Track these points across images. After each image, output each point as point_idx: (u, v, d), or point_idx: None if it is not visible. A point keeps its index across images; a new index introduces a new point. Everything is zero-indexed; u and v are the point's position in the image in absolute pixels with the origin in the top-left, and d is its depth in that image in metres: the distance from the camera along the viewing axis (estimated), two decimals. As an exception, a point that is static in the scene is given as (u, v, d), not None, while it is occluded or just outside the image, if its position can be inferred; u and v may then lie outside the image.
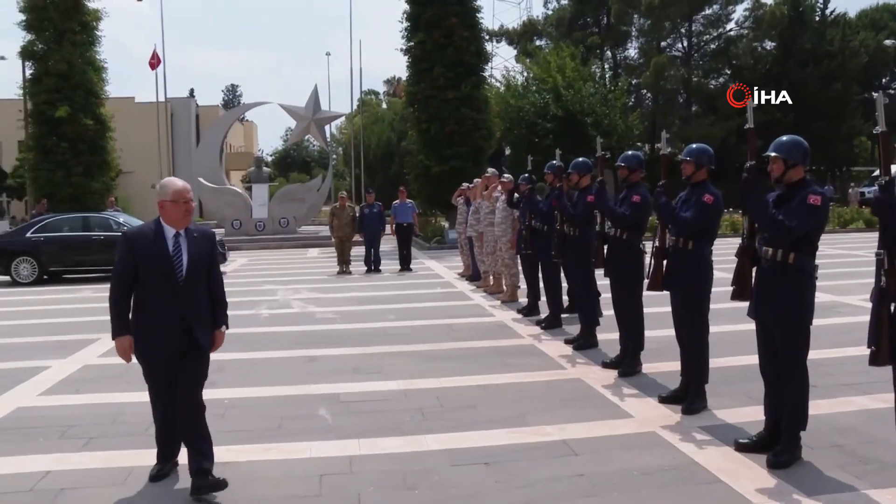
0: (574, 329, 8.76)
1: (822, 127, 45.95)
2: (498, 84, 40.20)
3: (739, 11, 53.45)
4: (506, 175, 11.65)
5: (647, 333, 7.28)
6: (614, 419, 5.85)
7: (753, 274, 4.89)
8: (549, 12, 60.07)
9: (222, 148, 33.02)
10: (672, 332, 6.24)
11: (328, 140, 40.24)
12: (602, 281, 7.79)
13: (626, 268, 7.00)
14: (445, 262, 19.12)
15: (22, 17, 27.64)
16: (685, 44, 54.69)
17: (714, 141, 38.19)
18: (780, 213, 4.53)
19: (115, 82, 77.77)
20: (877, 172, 3.66)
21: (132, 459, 5.06)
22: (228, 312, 4.76)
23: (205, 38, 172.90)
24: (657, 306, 7.08)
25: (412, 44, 27.86)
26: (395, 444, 5.35)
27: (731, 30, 53.89)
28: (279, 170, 73.70)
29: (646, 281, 6.31)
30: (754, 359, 5.10)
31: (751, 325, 5.09)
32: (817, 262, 4.73)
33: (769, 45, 52.76)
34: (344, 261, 17.32)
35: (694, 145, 6.00)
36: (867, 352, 3.95)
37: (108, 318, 4.55)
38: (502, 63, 73.30)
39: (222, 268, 17.35)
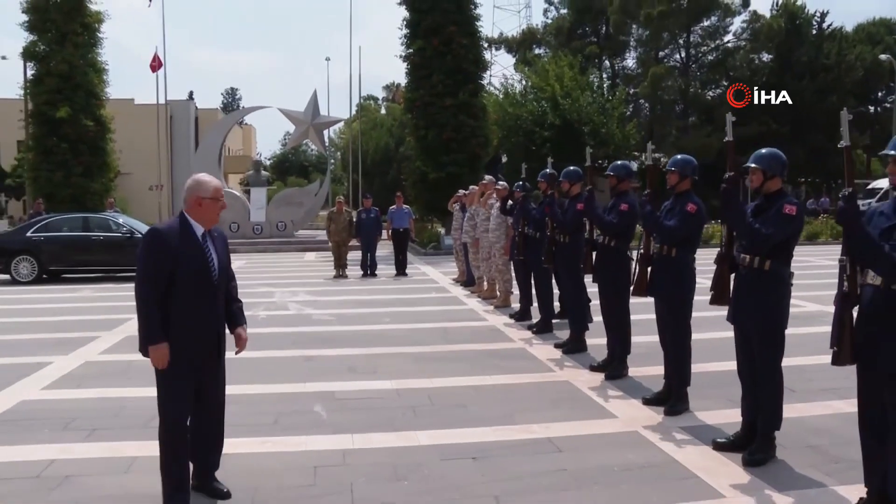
0: (565, 334, 8.99)
1: (817, 139, 46.37)
2: (496, 92, 40.51)
3: (737, 23, 53.87)
4: (500, 182, 11.89)
5: (636, 339, 7.50)
6: (599, 419, 6.07)
7: (732, 280, 5.12)
8: (549, 21, 60.47)
9: (221, 151, 33.21)
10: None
11: (327, 145, 40.46)
12: (592, 287, 8.01)
13: (614, 274, 7.22)
14: (441, 267, 19.33)
15: (25, 17, 27.87)
16: (683, 54, 55.04)
17: (711, 151, 38.46)
18: (758, 222, 4.76)
19: (114, 83, 78.14)
20: (877, 184, 3.88)
21: (135, 450, 5.26)
22: None
23: (205, 40, 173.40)
24: (646, 313, 7.29)
25: (411, 51, 28.12)
26: (388, 439, 5.56)
27: (728, 41, 54.24)
28: (277, 174, 73.87)
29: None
30: (735, 364, 5.31)
31: (733, 332, 5.30)
32: (798, 270, 4.96)
33: (766, 57, 53.13)
34: (340, 265, 17.52)
35: (679, 156, 6.23)
36: None
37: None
38: (501, 71, 73.65)
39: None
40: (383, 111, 68.43)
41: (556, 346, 8.76)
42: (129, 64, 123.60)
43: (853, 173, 3.89)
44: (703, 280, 6.23)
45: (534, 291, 10.24)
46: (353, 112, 48.56)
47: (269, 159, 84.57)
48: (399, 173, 38.49)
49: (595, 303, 8.06)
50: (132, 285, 4.31)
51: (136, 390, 6.74)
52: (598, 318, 8.29)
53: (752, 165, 4.93)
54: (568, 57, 38.89)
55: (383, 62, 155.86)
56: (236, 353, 4.57)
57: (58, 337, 9.88)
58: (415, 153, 29.43)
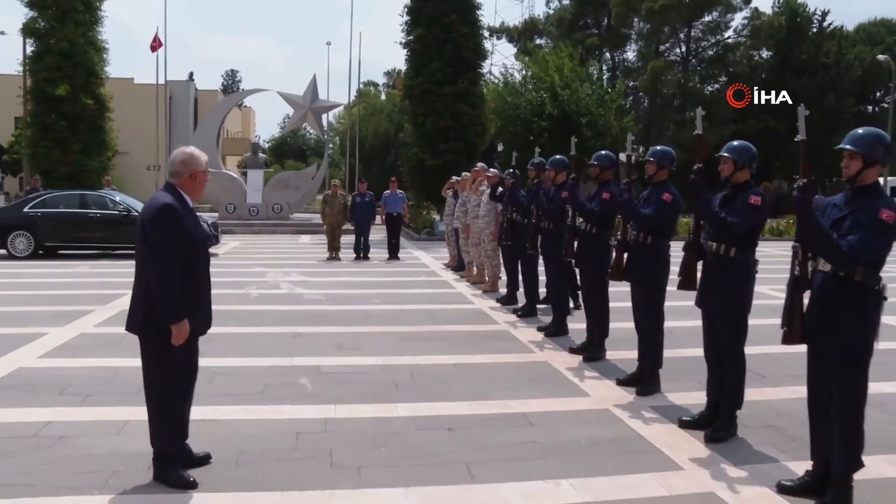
0: (549, 318, 9.24)
1: (815, 137, 45.46)
2: (496, 81, 40.65)
3: (738, 20, 54.14)
4: (491, 170, 12.11)
5: (616, 325, 7.76)
6: (573, 397, 6.34)
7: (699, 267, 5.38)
8: (551, 12, 60.65)
9: (220, 132, 33.39)
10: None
11: (325, 129, 40.62)
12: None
13: (595, 260, 7.45)
14: (433, 252, 19.59)
15: (24, -6, 27.90)
16: (683, 49, 55.27)
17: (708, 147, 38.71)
18: (725, 212, 5.02)
19: (114, 62, 78.05)
20: None
21: (127, 414, 5.49)
22: (219, 291, 5.08)
23: (207, 22, 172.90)
24: (628, 301, 7.54)
25: (412, 38, 28.32)
26: (368, 410, 5.82)
27: (729, 37, 54.54)
28: (275, 157, 73.99)
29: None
30: (706, 350, 5.57)
31: (701, 317, 5.56)
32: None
33: (766, 54, 53.37)
34: (334, 247, 17.77)
35: (658, 147, 6.47)
36: None
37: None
38: (502, 60, 73.66)
39: (215, 250, 17.90)
40: (383, 97, 68.50)
41: (539, 329, 9.02)
42: (130, 43, 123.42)
43: (808, 167, 4.11)
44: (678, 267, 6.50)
45: (521, 276, 10.49)
46: (353, 97, 48.75)
47: (267, 142, 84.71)
48: (397, 159, 38.67)
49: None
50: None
51: (129, 360, 6.94)
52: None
53: (725, 155, 5.18)
54: (568, 48, 39.00)
55: (385, 48, 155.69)
56: None
57: (54, 310, 10.09)
58: (412, 140, 29.66)
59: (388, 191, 18.66)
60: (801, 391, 6.38)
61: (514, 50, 56.97)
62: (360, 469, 4.61)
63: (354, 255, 17.78)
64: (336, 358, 7.58)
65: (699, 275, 5.41)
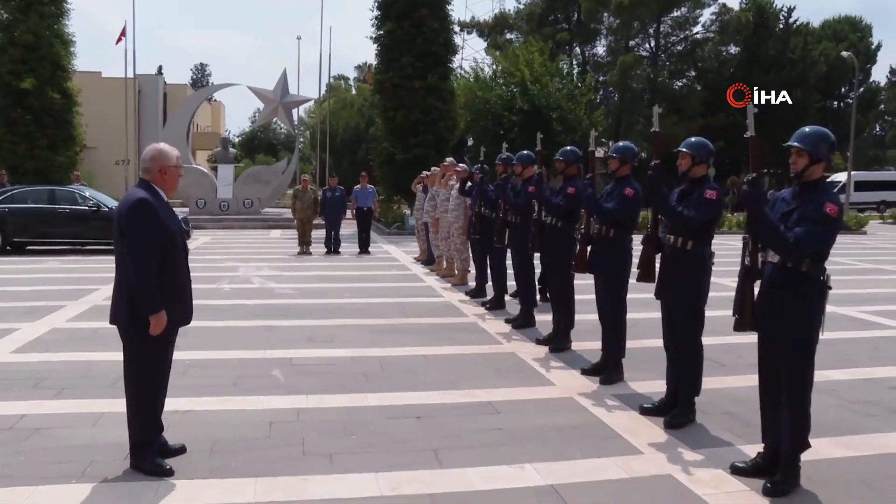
0: (517, 311, 9.43)
1: (781, 132, 46.98)
2: (466, 75, 40.79)
3: (706, 15, 54.63)
4: (460, 164, 12.28)
5: (582, 316, 7.96)
6: (538, 386, 6.54)
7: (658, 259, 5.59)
8: (521, 6, 60.77)
9: (189, 127, 33.22)
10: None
11: (296, 124, 40.54)
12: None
13: (560, 253, 7.65)
14: (403, 246, 19.73)
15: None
16: (652, 44, 55.72)
17: (677, 141, 39.15)
18: (681, 206, 5.23)
19: (81, 56, 77.22)
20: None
21: (103, 406, 5.61)
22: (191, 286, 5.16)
23: (176, 14, 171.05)
24: (593, 293, 7.75)
25: (382, 32, 28.34)
26: (339, 400, 5.97)
27: (697, 33, 55.01)
28: (246, 151, 73.52)
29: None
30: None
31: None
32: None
33: (734, 49, 53.99)
34: (305, 241, 17.85)
35: (621, 143, 6.68)
36: None
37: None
38: (472, 54, 73.83)
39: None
40: (354, 92, 68.37)
41: (507, 321, 9.21)
42: (98, 36, 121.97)
43: (758, 162, 4.32)
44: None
45: (489, 270, 10.67)
46: (323, 92, 48.63)
47: (237, 137, 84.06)
48: (367, 153, 38.71)
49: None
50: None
51: (104, 354, 7.08)
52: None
53: (683, 150, 5.38)
54: (538, 43, 39.23)
55: (355, 42, 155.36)
56: None
57: (24, 305, 10.11)
58: (383, 134, 29.72)
59: (358, 185, 18.77)
60: (757, 380, 6.70)
61: (485, 44, 57.13)
62: (332, 456, 4.77)
63: (325, 250, 17.88)
64: (307, 350, 7.71)
65: (658, 267, 5.62)
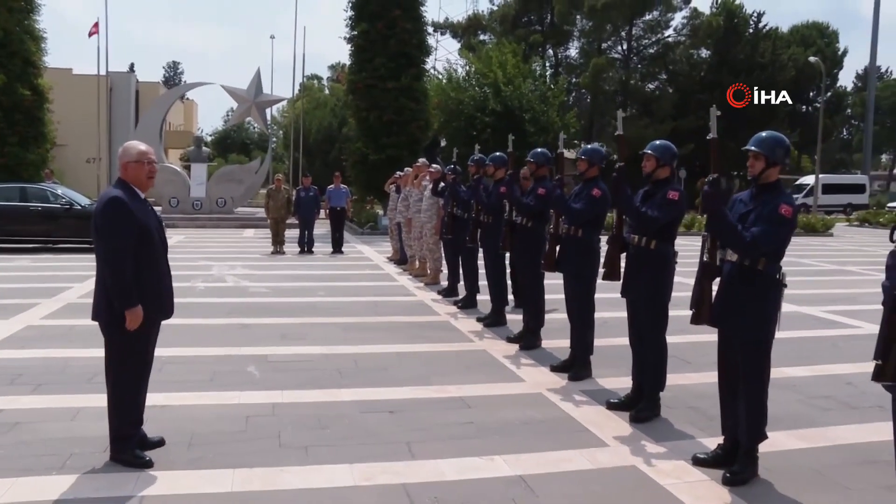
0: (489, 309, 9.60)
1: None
2: (439, 76, 40.95)
3: (678, 19, 55.28)
4: (434, 165, 12.44)
5: (556, 316, 8.14)
6: (508, 382, 6.71)
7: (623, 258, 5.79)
8: (495, 8, 61.05)
9: (162, 126, 33.08)
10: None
11: (269, 123, 40.48)
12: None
13: (530, 253, 7.83)
14: (376, 246, 19.86)
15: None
16: (625, 47, 56.26)
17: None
18: (645, 206, 5.42)
19: (52, 52, 75.97)
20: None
21: (81, 401, 5.71)
22: None
23: (148, 11, 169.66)
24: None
25: (355, 33, 28.42)
26: (314, 395, 6.11)
27: (668, 36, 55.61)
28: (219, 150, 73.14)
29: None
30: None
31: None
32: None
33: (705, 53, 54.67)
34: (278, 241, 17.92)
35: (589, 146, 6.87)
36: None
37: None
38: (446, 55, 74.02)
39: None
40: (327, 91, 68.26)
41: (478, 319, 9.38)
42: (69, 33, 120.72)
43: (719, 163, 4.52)
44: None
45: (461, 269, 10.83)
46: (297, 91, 48.56)
47: (210, 135, 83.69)
48: (341, 153, 38.74)
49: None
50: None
51: (80, 351, 7.16)
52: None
53: (647, 152, 5.58)
54: (511, 44, 39.49)
55: (329, 42, 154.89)
56: None
57: (-3, 303, 10.13)
58: (356, 134, 29.80)
59: (331, 185, 18.87)
60: (720, 375, 6.93)
61: (459, 45, 57.33)
62: (307, 448, 4.90)
63: (299, 249, 17.97)
64: (282, 347, 7.83)
65: (623, 266, 5.81)
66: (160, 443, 4.83)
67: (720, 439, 4.92)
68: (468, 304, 10.32)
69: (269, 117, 37.68)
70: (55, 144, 30.55)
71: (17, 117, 27.23)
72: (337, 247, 18.25)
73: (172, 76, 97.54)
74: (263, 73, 47.46)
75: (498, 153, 9.12)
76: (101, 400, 4.78)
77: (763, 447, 4.71)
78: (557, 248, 6.84)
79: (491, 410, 5.83)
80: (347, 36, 28.86)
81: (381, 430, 5.29)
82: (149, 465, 4.50)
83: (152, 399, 5.37)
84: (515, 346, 8.00)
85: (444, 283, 11.86)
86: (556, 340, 8.00)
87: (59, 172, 31.62)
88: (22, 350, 7.50)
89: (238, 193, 30.52)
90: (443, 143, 35.44)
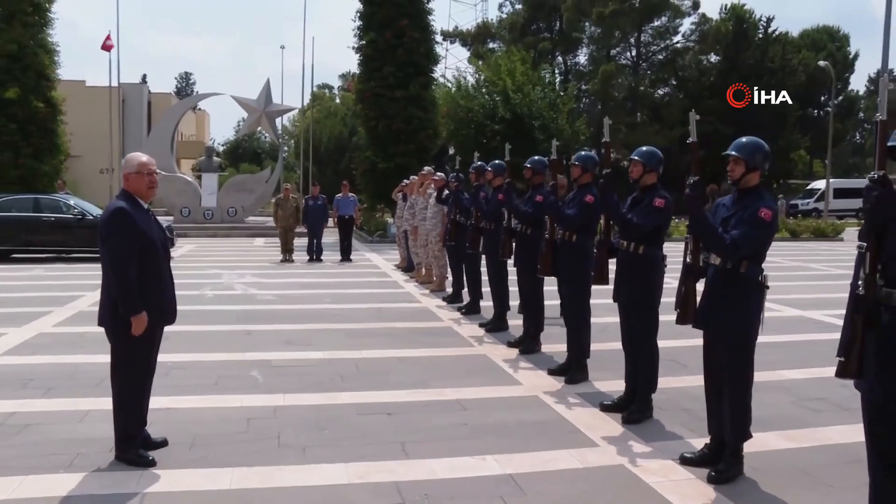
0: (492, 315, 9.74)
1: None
2: (448, 84, 41.16)
3: (686, 25, 55.36)
4: (438, 173, 12.61)
5: (553, 320, 8.27)
6: (505, 385, 6.86)
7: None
8: (504, 16, 61.37)
9: (174, 136, 33.41)
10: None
11: (280, 132, 40.80)
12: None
13: (529, 259, 7.95)
14: (385, 254, 20.04)
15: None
16: (633, 53, 56.39)
17: (658, 149, 39.70)
18: (632, 213, 5.57)
19: (66, 64, 77.10)
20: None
21: (89, 404, 5.90)
22: (175, 293, 5.42)
23: (160, 23, 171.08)
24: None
25: (364, 42, 28.69)
26: (314, 398, 6.28)
27: (677, 42, 55.69)
28: (231, 160, 73.69)
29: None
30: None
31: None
32: None
33: (714, 58, 54.67)
34: (287, 249, 18.13)
35: (583, 152, 7.00)
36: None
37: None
38: (455, 63, 74.27)
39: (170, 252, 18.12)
40: (338, 100, 68.65)
41: (481, 325, 9.53)
42: (82, 45, 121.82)
43: (699, 166, 4.66)
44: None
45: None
46: (307, 101, 48.93)
47: (222, 145, 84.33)
48: (351, 162, 39.00)
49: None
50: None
51: (89, 357, 7.36)
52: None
53: (635, 158, 5.73)
54: (521, 52, 39.67)
55: (339, 51, 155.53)
56: None
57: (10, 311, 10.33)
58: (365, 143, 30.04)
59: (340, 194, 19.08)
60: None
61: (468, 54, 57.59)
62: (305, 448, 5.07)
63: (308, 257, 18.17)
64: (286, 353, 8.00)
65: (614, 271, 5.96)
66: (163, 443, 5.01)
67: (705, 439, 5.05)
68: (471, 310, 10.47)
69: (279, 127, 38.01)
70: (69, 155, 30.91)
71: (32, 129, 27.60)
72: (345, 255, 18.44)
73: (184, 87, 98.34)
74: (274, 84, 47.91)
75: (498, 161, 9.28)
76: (108, 403, 4.94)
77: (751, 447, 4.83)
78: (553, 254, 6.98)
79: (486, 412, 5.98)
80: (356, 45, 29.14)
81: (378, 431, 5.45)
82: (152, 464, 4.67)
83: (158, 402, 5.58)
84: (515, 351, 8.14)
85: (450, 290, 12.01)
86: (556, 345, 8.12)
87: (74, 183, 32.01)
88: (34, 356, 7.72)
89: (249, 203, 30.78)
90: (451, 151, 35.63)
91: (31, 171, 27.37)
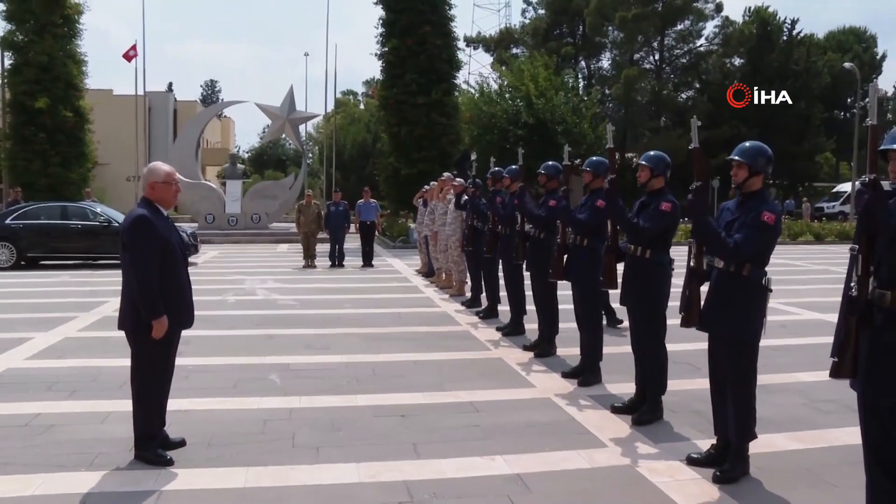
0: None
1: (785, 143, 47.48)
2: (471, 90, 41.33)
3: (710, 28, 55.20)
4: (458, 179, 12.72)
5: (569, 325, 8.34)
6: (519, 388, 6.95)
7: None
8: (526, 21, 61.46)
9: (199, 143, 33.82)
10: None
11: (304, 139, 41.17)
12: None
13: (544, 262, 8.04)
14: (407, 260, 20.19)
15: (2, 6, 28.19)
16: (657, 57, 56.26)
17: (681, 153, 39.53)
18: (639, 217, 5.65)
19: (94, 73, 78.26)
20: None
21: (111, 406, 6.07)
22: (198, 298, 5.61)
23: (185, 31, 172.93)
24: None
25: (386, 49, 28.94)
26: (330, 400, 6.41)
27: (701, 45, 55.51)
28: (255, 167, 74.37)
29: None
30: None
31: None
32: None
33: (738, 61, 54.42)
34: (309, 255, 18.33)
35: (594, 158, 7.08)
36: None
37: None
38: (479, 69, 74.38)
39: (194, 259, 18.41)
40: (362, 106, 69.04)
41: (498, 329, 9.62)
42: (110, 53, 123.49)
43: (703, 171, 4.73)
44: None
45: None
46: (329, 109, 49.29)
47: (247, 152, 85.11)
48: (374, 168, 39.24)
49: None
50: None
51: (113, 360, 7.54)
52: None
53: (642, 163, 5.81)
54: (543, 57, 39.76)
55: (363, 58, 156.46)
56: None
57: (38, 317, 10.57)
58: (388, 149, 30.26)
59: (361, 200, 19.26)
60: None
61: (491, 59, 57.73)
62: (319, 449, 5.20)
63: (330, 263, 18.35)
64: (304, 357, 8.16)
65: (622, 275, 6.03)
66: (181, 443, 5.16)
67: (712, 440, 5.11)
68: (489, 314, 10.56)
69: (303, 133, 38.36)
70: (97, 163, 31.45)
71: (60, 138, 28.17)
72: (367, 260, 18.59)
73: (210, 94, 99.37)
74: (298, 91, 48.37)
75: (514, 166, 9.37)
76: (129, 405, 5.08)
77: (758, 447, 4.89)
78: (565, 258, 7.07)
79: (498, 414, 6.07)
80: (378, 52, 29.39)
81: (391, 433, 5.57)
82: (169, 463, 4.83)
83: (177, 404, 5.74)
84: (530, 354, 8.23)
85: (469, 295, 12.12)
86: (571, 348, 8.18)
87: (101, 191, 32.51)
88: (59, 360, 7.92)
89: (272, 209, 31.09)
90: (473, 157, 35.68)
91: (59, 179, 27.91)
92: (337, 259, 18.41)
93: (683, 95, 55.89)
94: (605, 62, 59.19)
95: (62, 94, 28.25)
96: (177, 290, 4.95)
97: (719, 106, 50.12)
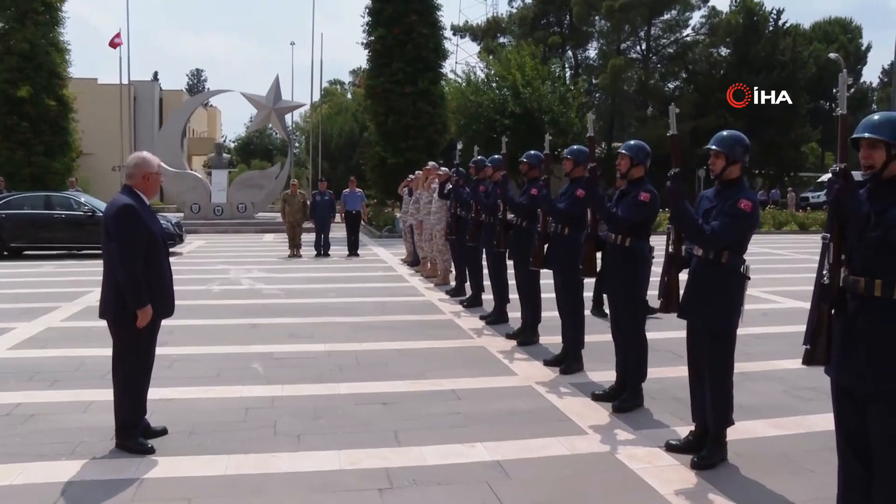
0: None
1: (771, 133, 47.62)
2: (458, 80, 41.25)
3: (696, 18, 55.23)
4: (442, 168, 12.73)
5: (551, 314, 8.39)
6: (500, 376, 6.99)
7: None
8: (514, 10, 61.35)
9: (185, 133, 33.65)
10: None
11: (290, 128, 41.04)
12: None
13: (526, 251, 8.07)
14: (392, 249, 20.19)
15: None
16: (643, 47, 56.25)
17: (668, 143, 39.53)
18: (617, 207, 5.69)
19: (77, 62, 77.67)
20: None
21: (93, 396, 6.06)
22: (182, 288, 5.64)
23: (170, 20, 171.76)
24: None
25: (372, 38, 28.86)
26: (313, 389, 6.44)
27: (687, 35, 55.54)
28: (241, 156, 74.10)
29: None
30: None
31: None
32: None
33: (724, 51, 54.48)
34: (295, 245, 18.32)
35: (575, 147, 7.11)
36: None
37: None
38: (465, 58, 74.17)
39: (178, 249, 18.36)
40: (349, 96, 68.81)
41: (481, 317, 9.66)
42: (94, 42, 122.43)
43: (679, 158, 4.76)
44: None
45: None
46: (316, 98, 49.09)
47: (233, 142, 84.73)
48: (361, 158, 39.17)
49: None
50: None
51: (95, 350, 7.51)
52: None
53: (622, 152, 5.84)
54: (530, 46, 39.69)
55: (350, 47, 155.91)
56: None
57: (21, 307, 10.51)
58: (375, 138, 30.21)
59: (347, 189, 19.24)
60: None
61: (478, 48, 57.63)
62: (300, 436, 5.22)
63: (315, 253, 18.33)
64: (288, 345, 8.17)
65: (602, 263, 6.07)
66: (163, 432, 5.17)
67: (691, 426, 5.16)
68: (473, 303, 10.60)
69: (290, 123, 38.22)
70: (81, 153, 31.25)
71: (44, 127, 27.95)
72: (352, 249, 18.60)
73: (196, 83, 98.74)
74: (285, 80, 48.11)
75: (497, 156, 9.40)
76: (111, 394, 5.07)
77: (737, 434, 4.96)
78: (546, 246, 7.10)
79: (479, 401, 6.11)
80: (365, 41, 29.30)
81: (372, 420, 5.60)
82: (151, 451, 4.84)
83: (160, 393, 5.77)
84: (513, 343, 8.27)
85: (453, 284, 12.15)
86: (554, 336, 8.22)
87: (86, 180, 32.31)
88: (42, 350, 7.91)
89: (258, 199, 30.98)
90: (459, 146, 35.72)
91: (43, 168, 27.72)
92: (322, 248, 18.39)
93: (670, 85, 55.87)
94: (592, 52, 59.16)
95: (45, 83, 28.02)
96: (159, 279, 4.96)
97: (706, 96, 50.29)
